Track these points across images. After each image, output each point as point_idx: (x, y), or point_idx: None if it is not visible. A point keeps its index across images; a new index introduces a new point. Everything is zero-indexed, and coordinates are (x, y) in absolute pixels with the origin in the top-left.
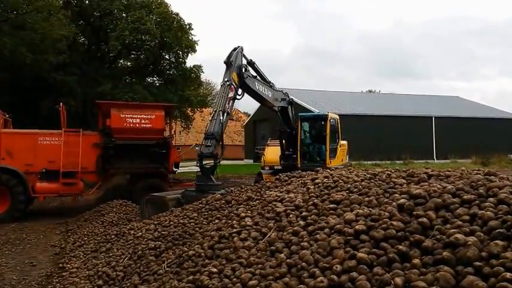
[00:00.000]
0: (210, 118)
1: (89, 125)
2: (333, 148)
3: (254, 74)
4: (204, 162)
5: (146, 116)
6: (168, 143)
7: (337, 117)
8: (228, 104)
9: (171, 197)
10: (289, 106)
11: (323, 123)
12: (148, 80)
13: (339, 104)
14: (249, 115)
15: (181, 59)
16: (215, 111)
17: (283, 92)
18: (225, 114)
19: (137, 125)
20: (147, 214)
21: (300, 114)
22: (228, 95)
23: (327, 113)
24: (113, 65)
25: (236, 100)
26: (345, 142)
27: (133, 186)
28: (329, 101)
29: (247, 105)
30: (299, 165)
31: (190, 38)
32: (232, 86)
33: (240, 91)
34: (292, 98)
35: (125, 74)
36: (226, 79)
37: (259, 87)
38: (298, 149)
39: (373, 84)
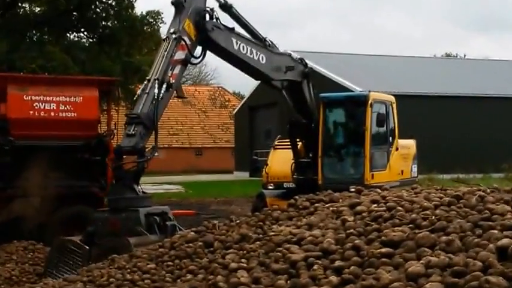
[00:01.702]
0: (138, 92)
1: None
2: (381, 152)
3: (232, 24)
4: (122, 163)
5: (68, 99)
6: (105, 143)
7: (391, 99)
8: (172, 70)
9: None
10: (305, 80)
11: (361, 110)
12: (71, 37)
13: (394, 78)
14: (241, 97)
15: (126, 0)
16: (148, 80)
17: (293, 56)
18: (165, 85)
19: (52, 114)
20: (59, 266)
21: (321, 95)
22: (173, 55)
23: (367, 93)
24: (8, 11)
25: (191, 65)
26: (408, 142)
27: (47, 216)
28: (378, 72)
29: (238, 81)
30: (320, 182)
31: None
32: (183, 42)
33: (198, 51)
34: (311, 68)
35: (31, 26)
36: (172, 30)
37: (239, 47)
38: (319, 153)
39: (455, 43)
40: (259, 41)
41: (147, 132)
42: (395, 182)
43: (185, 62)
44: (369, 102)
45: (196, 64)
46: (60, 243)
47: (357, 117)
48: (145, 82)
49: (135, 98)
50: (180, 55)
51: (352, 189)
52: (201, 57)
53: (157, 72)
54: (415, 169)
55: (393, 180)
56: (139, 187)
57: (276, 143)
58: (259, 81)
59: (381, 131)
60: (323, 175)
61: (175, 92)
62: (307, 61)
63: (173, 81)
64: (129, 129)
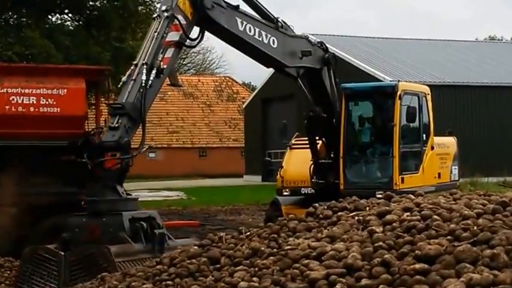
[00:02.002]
0: (123, 78)
1: None
2: (413, 152)
3: (237, 1)
4: (103, 159)
5: (50, 92)
6: (93, 144)
7: (424, 90)
8: (163, 53)
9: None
10: (325, 67)
11: (389, 102)
12: (53, 19)
13: (428, 66)
14: (252, 89)
15: None
16: (135, 64)
17: (310, 39)
18: (154, 71)
19: (32, 110)
20: (32, 279)
21: (343, 86)
22: (164, 36)
23: (396, 83)
24: None
25: (189, 49)
26: (447, 140)
27: (27, 229)
28: (410, 59)
29: (249, 70)
30: (342, 187)
31: None
32: (177, 22)
33: (195, 32)
34: (332, 53)
35: (6, 8)
36: (164, 8)
37: (245, 27)
38: (341, 153)
39: (500, 24)
40: (269, 21)
41: (133, 125)
42: (430, 186)
43: (179, 45)
44: (398, 93)
45: (192, 47)
46: (31, 253)
47: (384, 111)
48: (131, 67)
49: (119, 85)
50: (173, 36)
51: (379, 195)
52: (198, 40)
53: (145, 56)
54: (455, 171)
55: (428, 185)
56: (122, 188)
57: (292, 142)
58: (272, 71)
59: (413, 128)
60: (345, 179)
61: (167, 79)
62: (328, 46)
63: (164, 66)
64: (112, 122)
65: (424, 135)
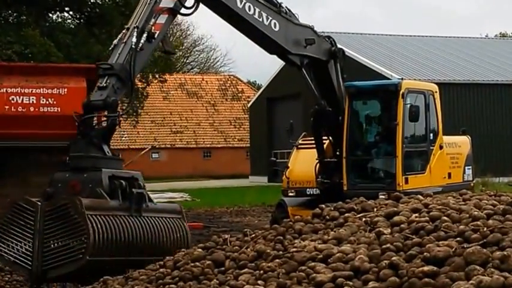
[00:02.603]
0: (114, 42)
1: None
2: (418, 152)
3: None
4: (90, 116)
5: (50, 91)
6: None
7: (431, 88)
8: (156, 19)
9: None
10: (332, 61)
11: (392, 101)
12: (54, 17)
13: (437, 63)
14: (257, 87)
15: None
16: (127, 28)
17: (316, 31)
18: (145, 35)
19: (32, 110)
20: (10, 228)
21: (346, 84)
22: (157, 2)
23: (399, 81)
24: None
25: (181, 16)
26: (459, 139)
27: None
28: (418, 56)
29: (254, 68)
30: (345, 188)
31: None
32: None
33: (190, 0)
34: (341, 48)
35: (5, 5)
36: None
37: (244, 5)
38: (344, 153)
39: (507, 21)
40: (272, 5)
41: (121, 85)
42: (437, 187)
43: (173, 12)
44: (401, 92)
45: (187, 15)
46: (12, 204)
47: (387, 110)
48: (123, 31)
49: (110, 48)
50: (166, 3)
51: (382, 196)
52: (192, 9)
53: (137, 20)
54: (469, 171)
55: (435, 185)
56: (108, 148)
57: (299, 141)
58: (278, 70)
59: (419, 127)
60: (348, 179)
61: (161, 45)
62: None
63: (156, 31)
64: (100, 82)
65: (432, 135)
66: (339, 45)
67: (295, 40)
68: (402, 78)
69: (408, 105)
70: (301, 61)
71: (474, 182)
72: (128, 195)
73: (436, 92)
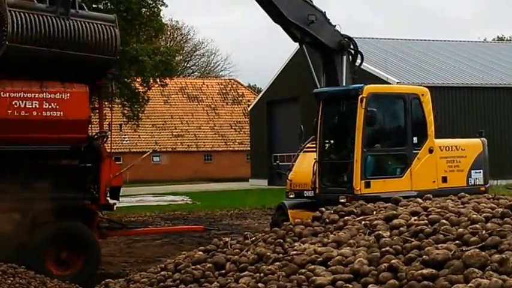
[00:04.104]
0: None
1: None
2: (392, 156)
3: None
4: None
5: (53, 96)
6: (97, 148)
7: (416, 91)
8: None
9: None
10: (340, 53)
11: (354, 106)
12: None
13: (437, 67)
14: (257, 91)
15: None
16: None
17: (328, 18)
18: None
19: (35, 114)
20: None
21: (315, 90)
22: None
23: (360, 86)
24: None
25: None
26: (464, 142)
27: (29, 235)
28: (418, 60)
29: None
30: (317, 191)
31: None
32: None
33: None
34: (355, 49)
35: None
36: None
37: None
38: (317, 157)
39: (508, 24)
40: None
41: None
42: (413, 191)
43: None
44: (361, 96)
45: None
46: None
47: (350, 115)
48: None
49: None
50: None
51: (342, 200)
52: None
53: None
54: (477, 175)
55: (415, 190)
56: None
57: (308, 145)
58: (277, 73)
59: (394, 130)
60: (320, 183)
61: None
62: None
63: None
64: None
65: (416, 138)
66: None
67: (298, 13)
68: (366, 83)
69: (371, 110)
70: (301, 36)
71: (487, 186)
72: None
73: (423, 95)
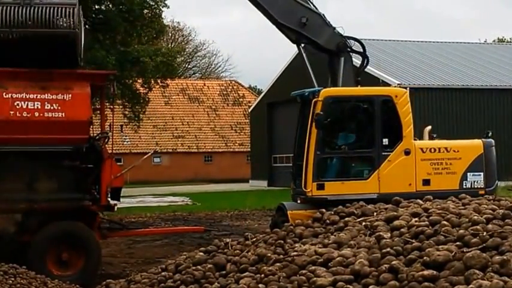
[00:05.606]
0: None
1: None
2: (352, 158)
3: None
4: None
5: (55, 97)
6: (98, 149)
7: (391, 93)
8: None
9: None
10: (339, 55)
11: (309, 109)
12: None
13: (437, 68)
14: (258, 92)
15: None
16: None
17: (326, 20)
18: None
19: (37, 115)
20: None
21: (293, 93)
22: None
23: (317, 89)
24: None
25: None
26: (458, 143)
27: (30, 235)
28: (416, 61)
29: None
30: (292, 192)
31: None
32: None
33: None
34: (362, 45)
35: None
36: None
37: None
38: (292, 160)
39: (508, 26)
40: None
41: None
42: (375, 194)
43: None
44: (314, 100)
45: None
46: None
47: (305, 117)
48: None
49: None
50: None
51: (299, 201)
52: None
53: None
54: (477, 178)
55: (380, 192)
56: None
57: None
58: (278, 75)
59: (358, 133)
60: (292, 185)
61: None
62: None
63: None
64: None
65: (387, 140)
66: (350, 40)
67: (289, 15)
68: (324, 87)
69: (323, 113)
70: (297, 38)
71: (490, 189)
72: None
73: (396, 96)
